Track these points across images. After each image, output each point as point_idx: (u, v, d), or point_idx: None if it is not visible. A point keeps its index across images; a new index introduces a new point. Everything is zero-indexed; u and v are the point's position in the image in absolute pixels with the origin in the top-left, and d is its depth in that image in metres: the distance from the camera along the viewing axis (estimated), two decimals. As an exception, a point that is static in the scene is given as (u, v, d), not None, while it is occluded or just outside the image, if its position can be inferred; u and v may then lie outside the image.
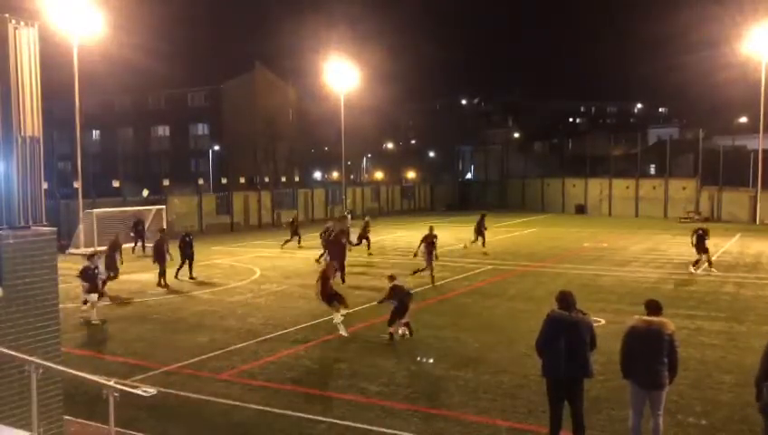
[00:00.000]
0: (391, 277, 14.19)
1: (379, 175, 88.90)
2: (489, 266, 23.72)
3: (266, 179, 55.47)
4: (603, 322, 14.43)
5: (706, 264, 21.71)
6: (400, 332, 13.55)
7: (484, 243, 28.02)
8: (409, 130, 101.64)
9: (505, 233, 36.31)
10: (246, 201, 42.62)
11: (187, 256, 21.79)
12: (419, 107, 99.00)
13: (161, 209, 32.65)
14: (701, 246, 21.50)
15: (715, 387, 10.54)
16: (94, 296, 15.76)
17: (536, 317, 8.33)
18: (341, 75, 48.67)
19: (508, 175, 59.53)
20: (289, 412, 9.66)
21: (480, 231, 28.22)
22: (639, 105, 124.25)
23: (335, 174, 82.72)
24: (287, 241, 30.15)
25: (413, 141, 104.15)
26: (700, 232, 21.62)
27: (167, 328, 15.21)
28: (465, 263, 24.46)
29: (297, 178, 69.67)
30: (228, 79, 63.61)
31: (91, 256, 16.69)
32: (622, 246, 30.15)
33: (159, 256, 20.87)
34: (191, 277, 21.65)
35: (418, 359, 12.23)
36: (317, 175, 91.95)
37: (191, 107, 65.68)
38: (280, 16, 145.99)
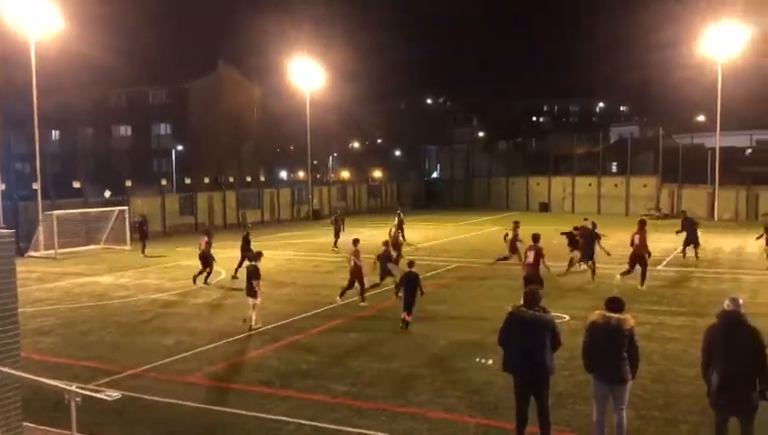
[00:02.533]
0: (410, 263, 14.82)
1: (345, 174, 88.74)
2: (455, 265, 23.88)
3: (231, 179, 54.93)
4: (567, 318, 14.65)
5: None
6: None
7: (696, 252, 23.72)
8: (375, 129, 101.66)
9: (470, 231, 36.72)
10: (211, 201, 42.16)
11: (246, 256, 20.05)
12: (385, 106, 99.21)
13: (123, 211, 32.11)
14: None
15: (677, 380, 10.76)
16: (257, 300, 14.58)
17: (501, 315, 8.41)
18: (307, 74, 48.59)
19: (473, 174, 59.99)
20: (257, 414, 9.58)
21: (692, 238, 23.36)
22: (601, 104, 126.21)
23: (301, 173, 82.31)
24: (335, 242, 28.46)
25: (379, 141, 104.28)
26: None
27: (131, 331, 14.96)
28: (432, 261, 24.55)
29: (263, 178, 69.10)
30: (191, 77, 62.80)
31: (257, 255, 15.30)
32: (586, 242, 30.48)
33: (205, 260, 20.15)
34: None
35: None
36: (283, 174, 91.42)
37: (153, 105, 64.63)
38: (245, 15, 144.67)
